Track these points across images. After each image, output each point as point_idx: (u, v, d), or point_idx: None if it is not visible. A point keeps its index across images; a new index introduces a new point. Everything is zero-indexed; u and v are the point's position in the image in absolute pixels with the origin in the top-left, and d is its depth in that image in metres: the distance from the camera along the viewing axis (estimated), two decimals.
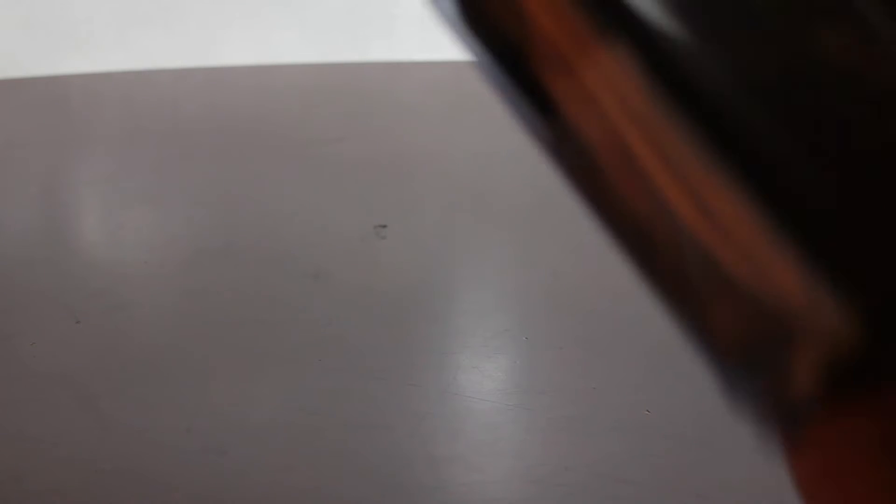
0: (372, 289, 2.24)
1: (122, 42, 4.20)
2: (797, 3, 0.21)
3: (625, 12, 0.22)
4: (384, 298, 2.19)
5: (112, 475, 1.58)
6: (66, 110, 3.86)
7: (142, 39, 4.21)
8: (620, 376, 1.89)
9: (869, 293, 0.21)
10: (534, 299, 2.25)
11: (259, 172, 3.01)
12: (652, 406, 1.77)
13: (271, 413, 1.76)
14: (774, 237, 0.21)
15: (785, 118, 0.21)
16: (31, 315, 2.11)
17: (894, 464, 0.21)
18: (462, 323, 2.16)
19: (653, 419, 1.74)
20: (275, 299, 2.19)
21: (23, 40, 4.08)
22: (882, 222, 0.21)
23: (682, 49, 0.22)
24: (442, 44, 4.30)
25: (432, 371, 1.92)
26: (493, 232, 2.62)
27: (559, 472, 1.61)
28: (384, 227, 2.55)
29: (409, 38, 4.39)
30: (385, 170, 3.01)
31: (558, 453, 1.67)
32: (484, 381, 1.89)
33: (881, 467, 0.21)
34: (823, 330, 0.21)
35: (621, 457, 1.64)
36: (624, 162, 0.23)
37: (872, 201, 0.21)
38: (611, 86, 0.23)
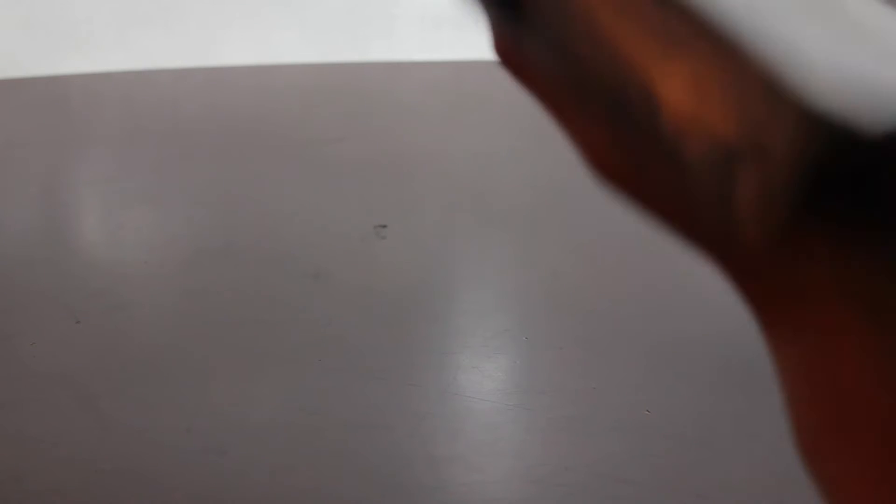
0: (372, 289, 2.24)
1: (122, 42, 4.20)
2: None
3: None
4: (384, 298, 2.19)
5: (112, 475, 1.58)
6: (66, 110, 3.86)
7: (142, 39, 4.21)
8: (620, 376, 1.89)
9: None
10: (534, 299, 2.25)
11: (259, 172, 3.01)
12: (652, 406, 1.77)
13: (271, 413, 1.76)
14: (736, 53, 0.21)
15: None
16: (31, 315, 2.11)
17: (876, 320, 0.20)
18: (462, 323, 2.16)
19: (653, 419, 1.74)
20: (275, 299, 2.19)
21: (23, 40, 4.08)
22: None
23: None
24: (442, 44, 4.30)
25: (432, 371, 1.92)
26: (493, 232, 2.62)
27: (559, 472, 1.60)
28: (384, 227, 2.55)
29: (409, 38, 4.39)
30: (385, 170, 3.01)
31: (558, 453, 1.67)
32: (484, 381, 1.89)
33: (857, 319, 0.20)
34: (779, 144, 0.20)
35: (621, 457, 1.64)
36: (592, 33, 0.24)
37: None
38: None
